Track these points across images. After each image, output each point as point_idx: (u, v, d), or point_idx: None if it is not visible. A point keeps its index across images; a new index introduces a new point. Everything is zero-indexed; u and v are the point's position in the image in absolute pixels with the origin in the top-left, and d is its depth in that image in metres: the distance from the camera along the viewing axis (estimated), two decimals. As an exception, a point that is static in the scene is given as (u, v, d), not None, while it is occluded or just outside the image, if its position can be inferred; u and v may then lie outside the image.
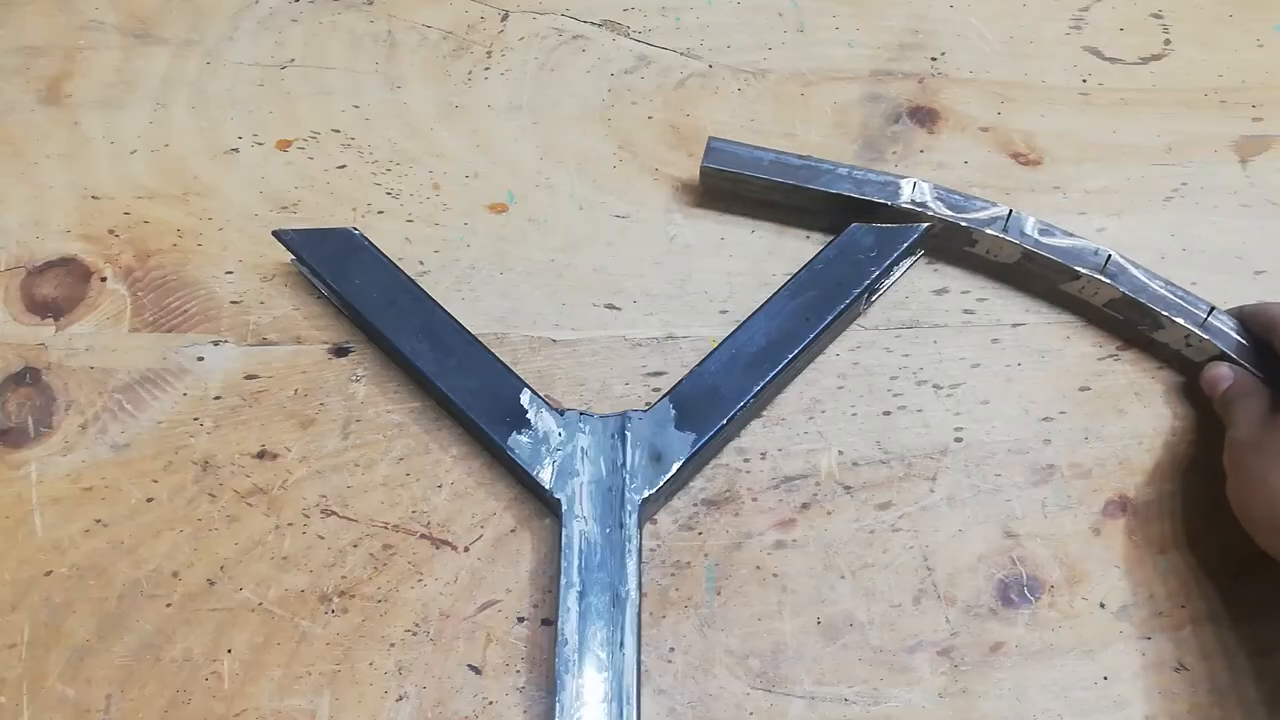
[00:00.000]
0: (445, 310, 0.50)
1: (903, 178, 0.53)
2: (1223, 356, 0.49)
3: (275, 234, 0.51)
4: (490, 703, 0.44)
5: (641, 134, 0.59)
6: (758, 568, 0.47)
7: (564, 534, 0.45)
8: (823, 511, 0.48)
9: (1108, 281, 0.50)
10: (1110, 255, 0.50)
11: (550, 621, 0.45)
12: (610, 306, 0.54)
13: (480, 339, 0.49)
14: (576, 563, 0.44)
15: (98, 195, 0.56)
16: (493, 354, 0.49)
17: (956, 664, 0.45)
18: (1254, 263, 0.56)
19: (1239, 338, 0.49)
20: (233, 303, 0.53)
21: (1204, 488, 0.49)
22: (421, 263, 0.54)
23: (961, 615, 0.46)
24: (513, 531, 0.48)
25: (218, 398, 0.50)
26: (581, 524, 0.45)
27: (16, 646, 0.45)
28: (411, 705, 0.44)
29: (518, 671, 0.45)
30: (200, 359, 0.51)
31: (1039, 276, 0.53)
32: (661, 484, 0.46)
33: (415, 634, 0.45)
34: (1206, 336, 0.49)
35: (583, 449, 0.47)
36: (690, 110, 0.60)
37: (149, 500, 0.48)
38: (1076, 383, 0.52)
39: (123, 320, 0.52)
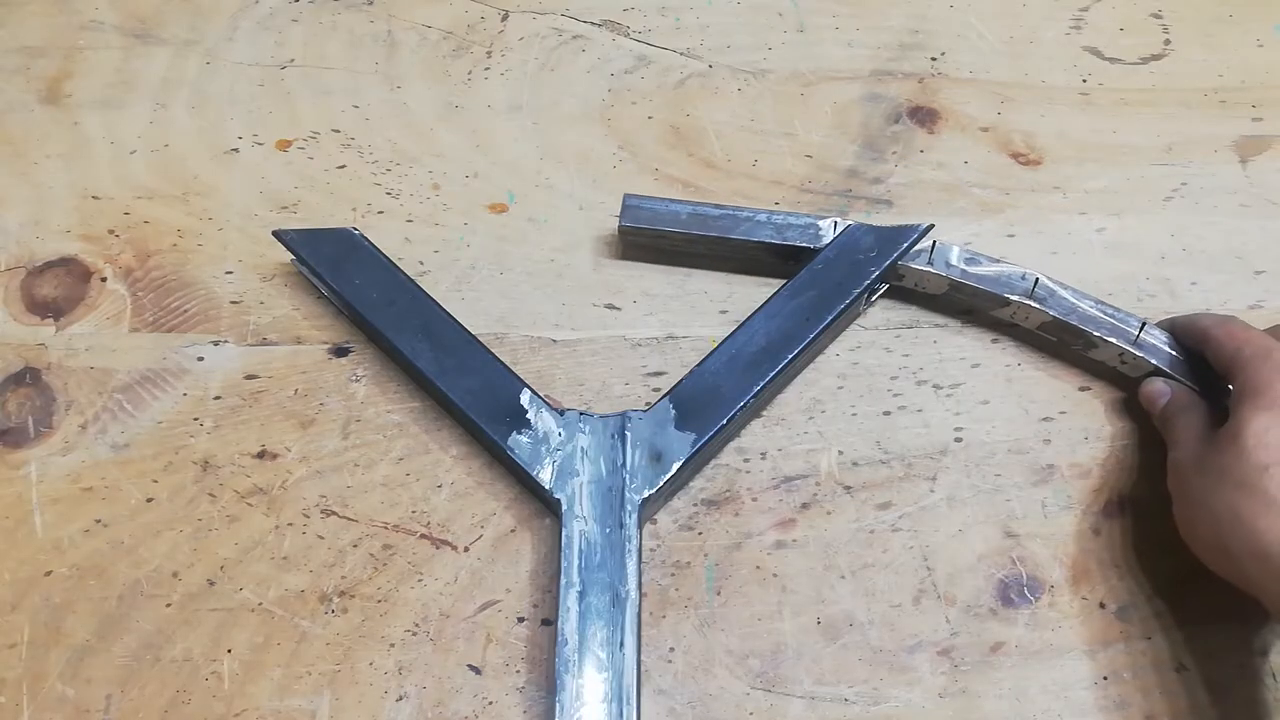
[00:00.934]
0: (445, 310, 0.50)
1: (823, 218, 0.52)
2: (1157, 372, 0.50)
3: (275, 234, 0.51)
4: (490, 703, 0.44)
5: (641, 134, 0.59)
6: (758, 568, 0.47)
7: (564, 534, 0.45)
8: (823, 511, 0.48)
9: (1037, 306, 0.50)
10: (1038, 279, 0.50)
11: (550, 621, 0.45)
12: (610, 306, 0.54)
13: (480, 339, 0.49)
14: (576, 563, 0.44)
15: (98, 195, 0.56)
16: (492, 354, 0.49)
17: (956, 664, 0.45)
18: (1254, 263, 0.56)
19: (1172, 351, 0.49)
20: (233, 303, 0.53)
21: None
22: (421, 263, 0.54)
23: (961, 615, 0.46)
24: (513, 531, 0.48)
25: (218, 398, 0.50)
26: (581, 524, 0.45)
27: (16, 646, 0.45)
28: (411, 705, 0.44)
29: (518, 671, 0.45)
30: (200, 359, 0.51)
31: (969, 306, 0.53)
32: (661, 484, 0.46)
33: (415, 634, 0.45)
34: (1140, 354, 0.49)
35: (583, 449, 0.47)
36: (690, 110, 0.60)
37: (149, 500, 0.48)
38: (1076, 383, 0.52)
39: (123, 320, 0.52)
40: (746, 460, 0.50)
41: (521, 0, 0.64)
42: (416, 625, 0.45)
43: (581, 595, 0.44)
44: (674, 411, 0.47)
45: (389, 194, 0.56)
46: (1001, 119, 0.60)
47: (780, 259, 0.52)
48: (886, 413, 0.51)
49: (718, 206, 0.53)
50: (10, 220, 0.55)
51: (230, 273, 0.53)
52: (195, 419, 0.50)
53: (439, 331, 0.49)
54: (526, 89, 0.60)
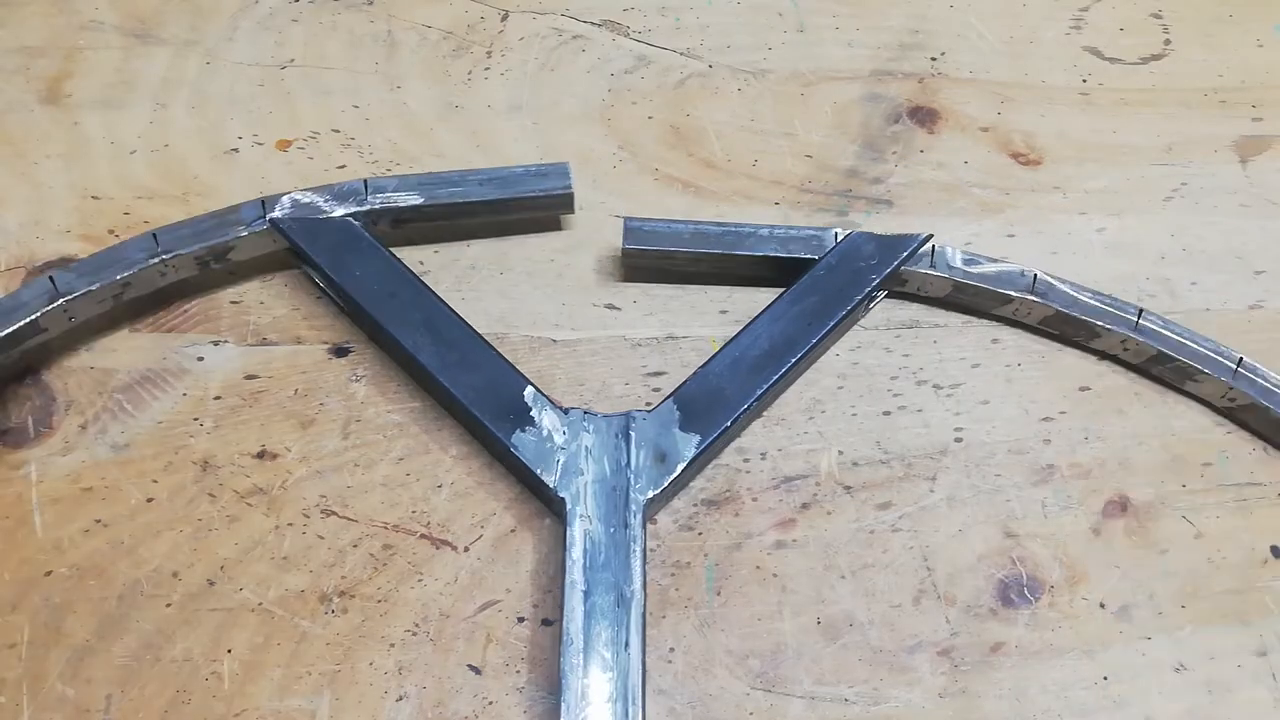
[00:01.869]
0: (447, 304, 0.50)
1: (825, 230, 0.52)
2: (1160, 356, 0.50)
3: (272, 221, 0.51)
4: (490, 703, 0.44)
5: (641, 134, 0.59)
6: (758, 568, 0.47)
7: (568, 533, 0.45)
8: (823, 511, 0.48)
9: (1039, 301, 0.51)
10: (1036, 275, 0.51)
11: (550, 622, 0.45)
12: (610, 306, 0.54)
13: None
14: (581, 562, 0.44)
15: (98, 195, 0.56)
16: (495, 350, 0.49)
17: (956, 664, 0.45)
18: (1254, 263, 0.56)
19: (1173, 335, 0.50)
20: (233, 303, 0.53)
21: (1203, 488, 0.49)
22: (421, 262, 0.54)
23: (961, 615, 0.46)
24: (513, 531, 0.48)
25: (218, 398, 0.50)
26: (586, 523, 0.45)
27: (16, 646, 0.44)
28: (411, 705, 0.44)
29: (518, 671, 0.45)
30: (200, 359, 0.51)
31: (971, 305, 0.53)
32: (666, 484, 0.46)
33: (415, 634, 0.45)
34: (1141, 339, 0.50)
35: (587, 448, 0.47)
36: (690, 110, 0.60)
37: (149, 500, 0.48)
38: (1076, 383, 0.52)
39: (123, 320, 0.52)
40: (746, 460, 0.50)
41: (521, 0, 0.64)
42: (416, 625, 0.45)
43: (586, 595, 0.44)
44: (678, 412, 0.47)
45: (389, 194, 0.56)
46: (1001, 119, 0.60)
47: (786, 272, 0.52)
48: (886, 413, 0.51)
49: (719, 224, 0.52)
50: (10, 220, 0.55)
51: (230, 273, 0.53)
52: (195, 419, 0.50)
53: (441, 326, 0.49)
54: (526, 89, 0.60)
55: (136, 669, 0.44)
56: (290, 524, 0.47)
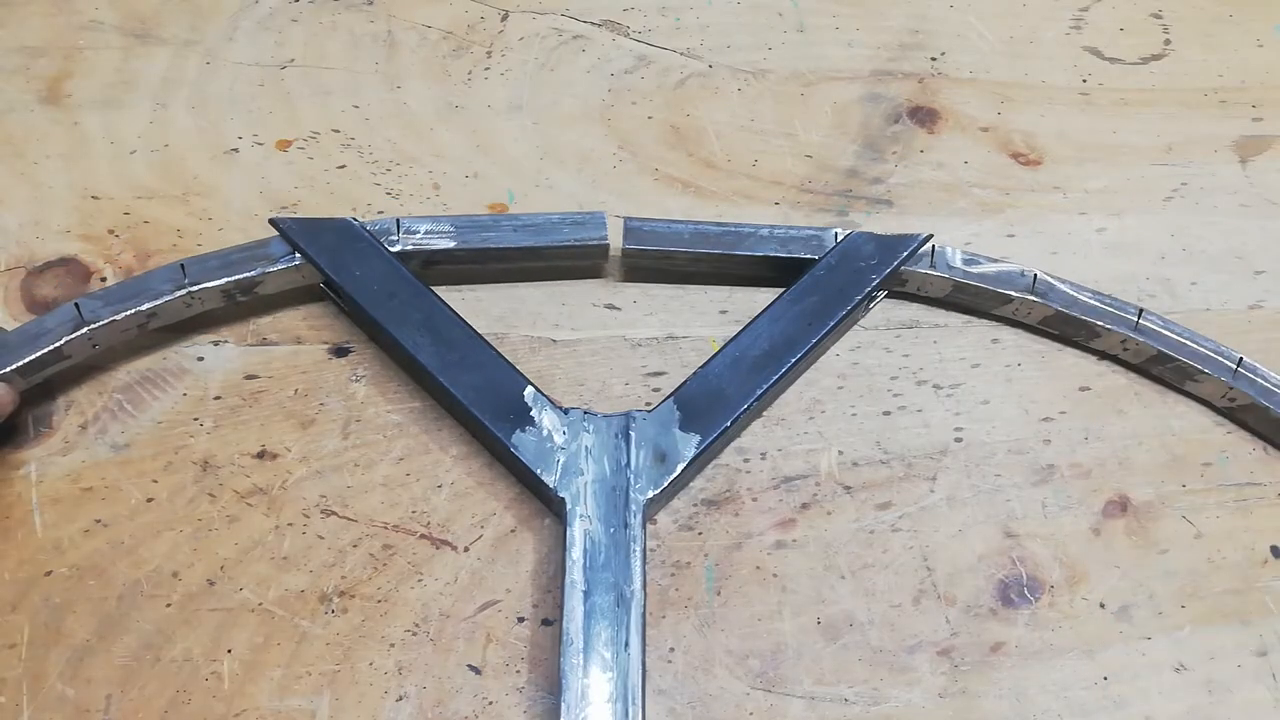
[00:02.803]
0: (446, 304, 0.49)
1: (825, 229, 0.52)
2: (1160, 356, 0.50)
3: (272, 222, 0.51)
4: (490, 703, 0.44)
5: (641, 134, 0.59)
6: (758, 568, 0.47)
7: (568, 533, 0.45)
8: (823, 511, 0.48)
9: (1039, 300, 0.51)
10: (1036, 275, 0.51)
11: (550, 622, 0.45)
12: (610, 306, 0.54)
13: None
14: (581, 562, 0.44)
15: (98, 195, 0.56)
16: (495, 349, 0.49)
17: (956, 664, 0.45)
18: (1254, 263, 0.56)
19: (1173, 335, 0.50)
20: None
21: (1203, 488, 0.49)
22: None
23: (961, 615, 0.46)
24: (513, 531, 0.48)
25: (218, 398, 0.50)
26: (586, 523, 0.45)
27: (16, 646, 0.44)
28: (411, 705, 0.44)
29: (518, 671, 0.45)
30: (200, 359, 0.51)
31: (971, 305, 0.53)
32: (666, 484, 0.46)
33: (415, 634, 0.45)
34: (1141, 339, 0.50)
35: (587, 448, 0.47)
36: (690, 110, 0.60)
37: (149, 500, 0.48)
38: (1076, 383, 0.52)
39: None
40: (746, 460, 0.50)
41: (521, 0, 0.64)
42: (416, 625, 0.45)
43: (586, 595, 0.44)
44: (678, 412, 0.47)
45: (389, 194, 0.56)
46: (1001, 119, 0.60)
47: (785, 272, 0.52)
48: (886, 413, 0.51)
49: (719, 224, 0.52)
50: (10, 220, 0.55)
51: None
52: (195, 419, 0.50)
53: (441, 326, 0.49)
54: (526, 89, 0.60)
55: (136, 669, 0.44)
56: (290, 524, 0.47)
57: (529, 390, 0.48)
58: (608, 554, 0.44)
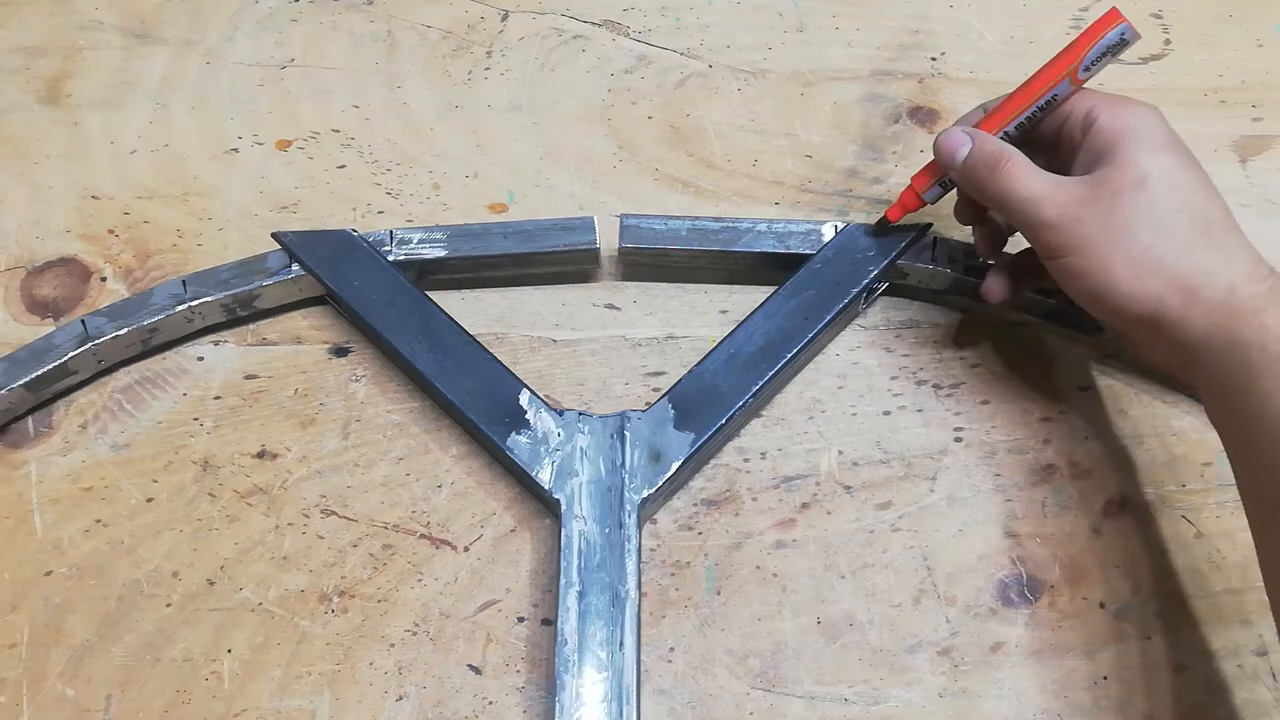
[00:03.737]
0: (444, 311, 0.50)
1: (823, 223, 0.52)
2: None
3: (274, 236, 0.51)
4: (490, 703, 0.44)
5: (641, 134, 0.59)
6: (758, 568, 0.47)
7: (563, 534, 0.45)
8: (823, 511, 0.48)
9: (1042, 297, 0.50)
10: None
11: (550, 621, 0.45)
12: (610, 306, 0.54)
13: (479, 339, 0.49)
14: (576, 562, 0.44)
15: (98, 195, 0.56)
16: (491, 354, 0.49)
17: (956, 664, 0.45)
18: (1254, 263, 0.56)
19: None
20: (233, 303, 0.53)
21: (1203, 488, 0.49)
22: (421, 263, 0.54)
23: (961, 615, 0.46)
24: (513, 531, 0.48)
25: (218, 398, 0.50)
26: (581, 524, 0.45)
27: (16, 646, 0.45)
28: (411, 705, 0.44)
29: (518, 671, 0.45)
30: (200, 359, 0.51)
31: (972, 300, 0.52)
32: (661, 484, 0.46)
33: (415, 634, 0.45)
34: None
35: (582, 449, 0.47)
36: (690, 110, 0.60)
37: (149, 500, 0.48)
38: (1076, 383, 0.52)
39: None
40: (746, 460, 0.50)
41: (521, 0, 0.64)
42: (416, 625, 0.45)
43: (581, 595, 0.44)
44: (673, 411, 0.47)
45: (389, 194, 0.56)
46: (1001, 119, 0.60)
47: (783, 268, 0.52)
48: (886, 413, 0.51)
49: (717, 220, 0.52)
50: (10, 220, 0.55)
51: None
52: (195, 419, 0.50)
53: (438, 332, 0.49)
54: (526, 89, 0.60)
55: (136, 669, 0.44)
56: (290, 524, 0.47)
57: (524, 394, 0.48)
58: (603, 554, 0.44)
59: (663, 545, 0.48)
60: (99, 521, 0.47)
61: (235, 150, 0.58)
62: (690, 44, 0.62)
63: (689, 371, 0.48)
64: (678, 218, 0.52)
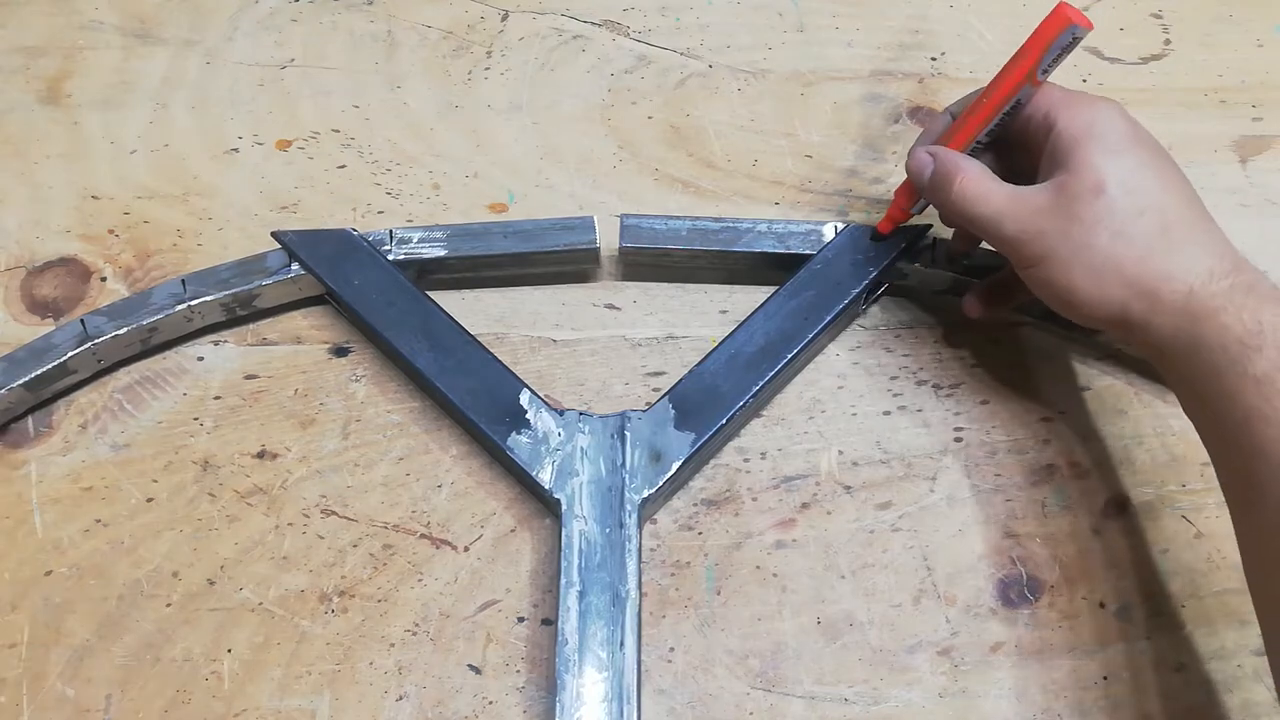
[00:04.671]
0: (444, 310, 0.50)
1: (823, 224, 0.52)
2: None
3: (274, 235, 0.51)
4: (490, 703, 0.44)
5: (641, 134, 0.59)
6: (758, 568, 0.47)
7: (564, 534, 0.45)
8: (823, 511, 0.48)
9: None
10: None
11: (550, 621, 0.45)
12: (610, 306, 0.54)
13: (480, 339, 0.49)
14: (576, 562, 0.44)
15: (98, 195, 0.56)
16: (491, 354, 0.49)
17: (956, 664, 0.45)
18: (1254, 262, 0.56)
19: None
20: (233, 303, 0.53)
21: (1204, 488, 0.49)
22: (421, 263, 0.54)
23: (961, 615, 0.46)
24: (513, 531, 0.48)
25: (218, 398, 0.50)
26: (581, 524, 0.45)
27: (16, 646, 0.45)
28: (411, 705, 0.44)
29: (518, 671, 0.45)
30: (200, 359, 0.51)
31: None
32: (661, 484, 0.46)
33: (415, 634, 0.45)
34: None
35: (582, 449, 0.47)
36: (690, 110, 0.60)
37: (149, 500, 0.48)
38: (1076, 383, 0.52)
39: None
40: (746, 460, 0.50)
41: (521, 0, 0.64)
42: (416, 625, 0.45)
43: (582, 595, 0.44)
44: (673, 411, 0.47)
45: (389, 194, 0.56)
46: (1001, 119, 0.60)
47: (783, 268, 0.52)
48: (886, 413, 0.51)
49: (717, 220, 0.52)
50: (10, 220, 0.55)
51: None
52: (195, 419, 0.50)
53: (438, 332, 0.49)
54: (526, 89, 0.60)
55: (136, 669, 0.44)
56: (290, 524, 0.47)
57: (524, 393, 0.48)
58: (603, 554, 0.44)
59: (663, 545, 0.48)
60: (99, 521, 0.47)
61: (235, 150, 0.58)
62: (690, 44, 0.62)
63: (689, 371, 0.48)
64: (678, 218, 0.52)
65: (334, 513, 0.48)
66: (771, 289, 0.51)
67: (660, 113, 0.60)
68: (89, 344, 0.48)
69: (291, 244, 0.51)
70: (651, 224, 0.52)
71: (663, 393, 0.48)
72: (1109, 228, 0.41)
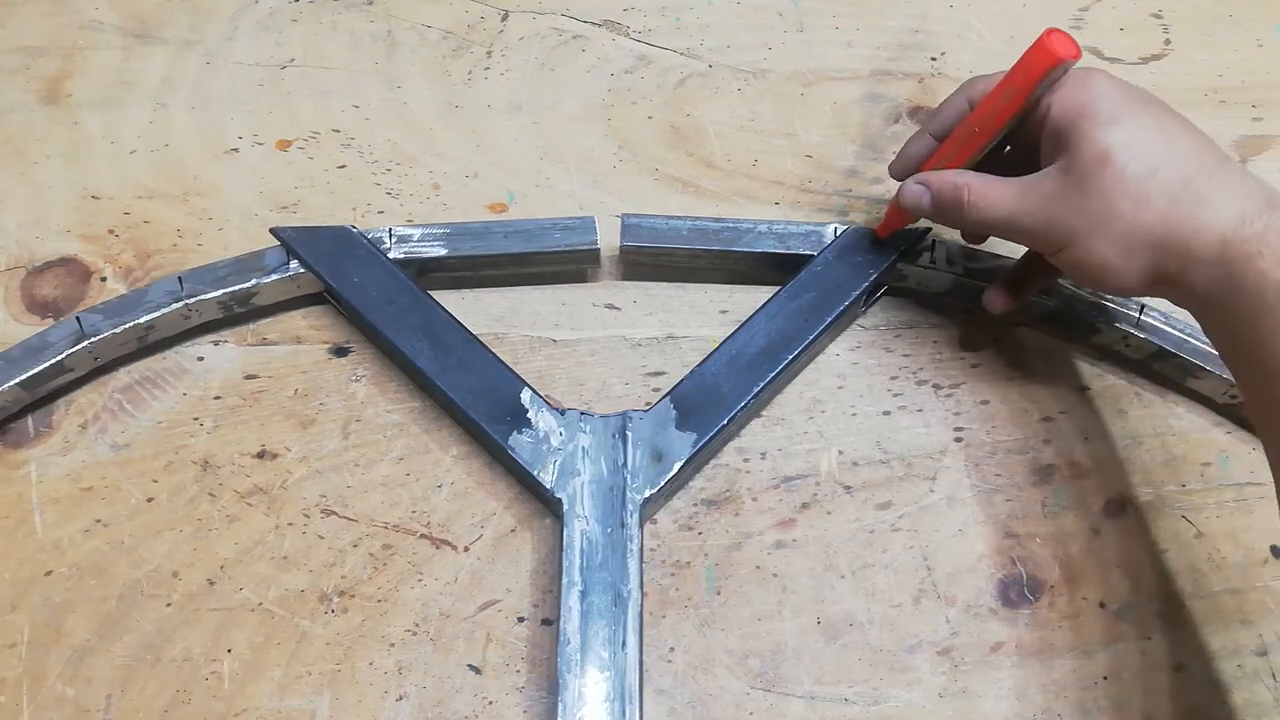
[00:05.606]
0: (444, 309, 0.50)
1: (824, 225, 0.52)
2: (1160, 353, 0.50)
3: (273, 231, 0.51)
4: (490, 703, 0.44)
5: (641, 134, 0.59)
6: (758, 568, 0.47)
7: (565, 534, 0.45)
8: (823, 511, 0.48)
9: (1040, 296, 0.51)
10: None
11: (550, 621, 0.45)
12: (610, 306, 0.54)
13: (480, 338, 0.49)
14: (578, 562, 0.44)
15: (98, 195, 0.56)
16: (492, 353, 0.49)
17: (956, 664, 0.45)
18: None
19: (1175, 331, 0.50)
20: (233, 303, 0.53)
21: (1204, 488, 0.49)
22: (421, 263, 0.54)
23: (961, 615, 0.46)
24: (513, 531, 0.48)
25: (218, 398, 0.50)
26: (583, 524, 0.45)
27: (16, 646, 0.45)
28: (411, 705, 0.44)
29: (518, 671, 0.45)
30: (200, 359, 0.51)
31: (971, 303, 0.52)
32: (663, 484, 0.46)
33: (415, 634, 0.45)
34: (1142, 335, 0.50)
35: (584, 449, 0.47)
36: (690, 110, 0.60)
37: (149, 500, 0.48)
38: (1076, 383, 0.52)
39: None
40: (746, 460, 0.50)
41: (521, 0, 0.64)
42: (416, 625, 0.45)
43: (583, 595, 0.44)
44: (674, 411, 0.47)
45: (389, 194, 0.56)
46: (1001, 119, 0.60)
47: (784, 269, 0.52)
48: (886, 413, 0.51)
49: (718, 220, 0.52)
50: (10, 220, 0.55)
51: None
52: (195, 419, 0.50)
53: (439, 330, 0.49)
54: (526, 89, 0.60)
55: (136, 669, 0.44)
56: (290, 524, 0.47)
57: (526, 393, 0.48)
58: (605, 554, 0.44)
59: (663, 545, 0.48)
60: (99, 521, 0.47)
61: (235, 150, 0.58)
62: (690, 44, 0.62)
63: (690, 372, 0.48)
64: (678, 217, 0.52)
65: (334, 513, 0.48)
66: (771, 289, 0.51)
67: (660, 113, 0.60)
68: (85, 342, 0.48)
69: (290, 241, 0.51)
70: (652, 223, 0.52)
71: (664, 393, 0.48)
72: (1125, 194, 0.40)
